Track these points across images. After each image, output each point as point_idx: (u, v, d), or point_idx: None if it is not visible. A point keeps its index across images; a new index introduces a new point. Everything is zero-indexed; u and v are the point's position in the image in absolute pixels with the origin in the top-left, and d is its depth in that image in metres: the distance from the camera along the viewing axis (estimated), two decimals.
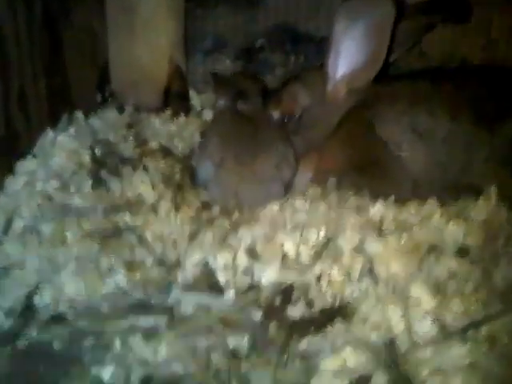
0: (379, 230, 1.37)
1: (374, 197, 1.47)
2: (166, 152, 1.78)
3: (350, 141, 1.59)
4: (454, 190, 1.48)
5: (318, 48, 2.00)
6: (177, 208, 1.50)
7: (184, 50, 2.00)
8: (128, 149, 1.75)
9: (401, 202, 1.45)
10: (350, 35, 1.55)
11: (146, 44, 1.91)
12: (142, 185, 1.55)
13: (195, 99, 2.10)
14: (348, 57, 1.59)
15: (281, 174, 1.59)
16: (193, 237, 1.42)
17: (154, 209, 1.48)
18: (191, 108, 2.04)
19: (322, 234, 1.44)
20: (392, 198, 1.46)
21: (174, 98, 1.98)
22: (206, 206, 1.56)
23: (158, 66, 1.94)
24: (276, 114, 1.70)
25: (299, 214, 1.53)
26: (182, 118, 1.97)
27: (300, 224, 1.47)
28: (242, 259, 1.34)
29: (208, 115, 1.99)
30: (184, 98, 2.02)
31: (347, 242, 1.37)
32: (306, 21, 2.03)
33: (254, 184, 1.57)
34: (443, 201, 1.43)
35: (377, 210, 1.45)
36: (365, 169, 1.54)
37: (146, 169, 1.63)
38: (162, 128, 1.91)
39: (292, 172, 1.60)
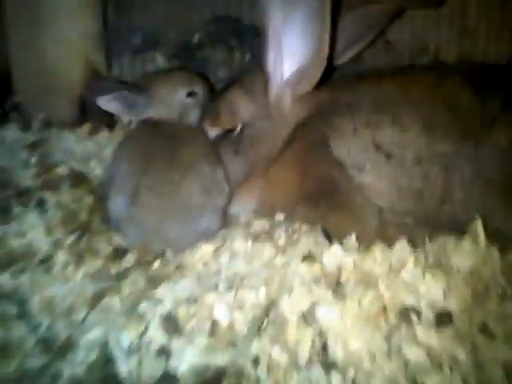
0: (335, 286, 1.12)
1: (330, 236, 1.22)
2: (76, 179, 1.51)
3: (301, 162, 1.32)
4: (430, 226, 1.21)
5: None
6: (78, 260, 1.24)
7: (103, 49, 1.78)
8: (27, 177, 1.48)
9: (363, 243, 1.19)
10: (288, 26, 1.28)
11: (55, 42, 1.68)
12: (32, 230, 1.28)
13: None
14: (291, 55, 1.33)
15: (211, 204, 1.33)
16: (95, 302, 1.14)
17: (47, 263, 1.22)
18: (116, 121, 1.77)
19: (263, 293, 1.11)
20: (352, 238, 1.21)
21: (93, 110, 1.70)
22: (119, 253, 1.29)
23: (70, 69, 1.71)
24: (212, 131, 1.49)
25: (237, 260, 1.24)
26: (103, 134, 1.71)
27: (237, 276, 1.19)
28: (156, 334, 1.06)
29: None
30: (105, 110, 1.63)
31: (294, 306, 1.04)
32: (252, 10, 1.78)
33: (178, 219, 1.30)
34: (417, 241, 1.17)
35: (333, 256, 1.18)
36: (318, 199, 1.29)
37: (41, 205, 1.36)
38: (77, 147, 1.65)
39: (225, 200, 1.36)
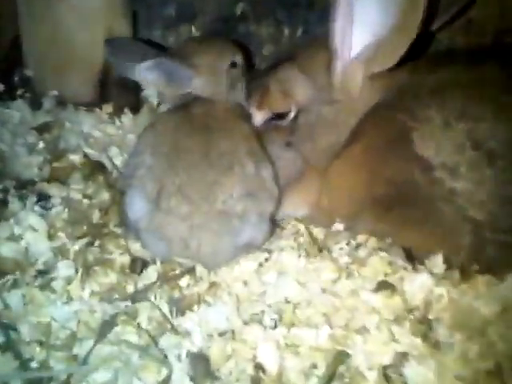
0: (426, 328, 0.87)
1: (412, 258, 1.02)
2: (91, 170, 1.34)
3: (371, 160, 1.12)
4: None
5: (322, 16, 1.55)
6: (86, 273, 1.05)
7: (130, 20, 1.56)
8: (31, 166, 1.31)
9: (455, 269, 0.99)
10: None
11: (72, 9, 1.48)
12: (29, 232, 1.09)
13: (149, 89, 1.64)
14: (365, 24, 1.12)
15: (256, 210, 1.10)
16: (104, 331, 0.95)
17: (46, 276, 1.04)
18: (142, 102, 1.61)
19: (325, 333, 0.90)
20: (438, 260, 0.99)
21: (116, 88, 1.55)
22: (137, 265, 1.10)
23: (89, 41, 1.50)
24: (259, 115, 1.24)
25: (287, 281, 1.02)
26: (126, 117, 1.55)
27: (288, 304, 0.98)
28: (182, 379, 0.87)
29: None
30: (130, 88, 1.57)
31: (371, 357, 0.84)
32: None
33: (214, 229, 1.07)
34: None
35: (419, 285, 0.94)
36: (392, 206, 1.09)
37: (44, 201, 1.18)
38: (94, 131, 1.48)
39: (273, 204, 1.14)
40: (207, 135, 1.12)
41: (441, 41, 1.53)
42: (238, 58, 1.29)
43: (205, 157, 1.09)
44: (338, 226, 1.14)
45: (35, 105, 1.52)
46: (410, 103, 1.11)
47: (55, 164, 1.31)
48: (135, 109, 1.58)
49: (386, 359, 0.82)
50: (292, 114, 1.23)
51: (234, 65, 1.27)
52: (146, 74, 1.18)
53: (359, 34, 1.14)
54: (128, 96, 1.58)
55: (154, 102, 1.64)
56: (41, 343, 0.93)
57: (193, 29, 1.73)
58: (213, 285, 1.05)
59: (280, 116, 1.24)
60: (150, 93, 1.66)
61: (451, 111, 1.07)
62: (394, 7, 1.09)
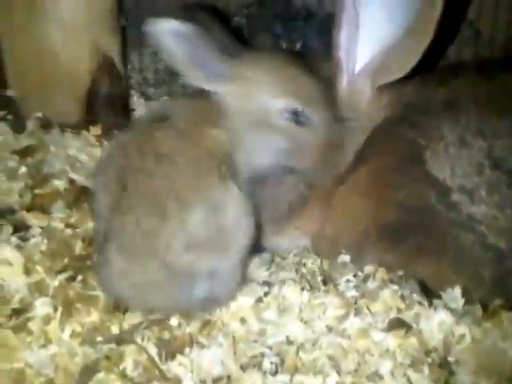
0: (447, 374, 0.77)
1: (429, 292, 0.94)
2: (76, 196, 1.24)
3: (380, 183, 1.04)
4: None
5: (323, 28, 1.52)
6: (66, 312, 0.95)
7: (118, 35, 1.51)
8: (11, 193, 1.22)
9: (476, 304, 0.91)
10: None
11: (57, 24, 1.42)
12: (4, 266, 1.01)
13: (140, 108, 1.60)
14: (373, 30, 1.05)
15: (207, 262, 0.93)
16: (84, 379, 0.85)
17: (21, 316, 0.95)
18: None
19: (334, 382, 0.79)
20: (458, 294, 0.91)
21: (104, 108, 1.49)
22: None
23: (74, 58, 1.44)
24: None
25: (289, 319, 0.94)
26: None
27: (291, 346, 0.89)
28: None
29: None
30: (119, 108, 1.52)
31: None
32: None
33: (161, 286, 0.93)
34: None
35: (437, 324, 0.84)
36: (404, 235, 1.01)
37: (22, 232, 1.09)
38: (81, 155, 1.41)
39: (239, 253, 0.96)
40: (153, 163, 0.92)
41: (448, 55, 1.48)
42: (309, 111, 0.98)
43: (145, 194, 0.91)
44: (344, 258, 1.05)
45: (18, 127, 1.44)
46: (420, 119, 1.03)
47: (37, 190, 1.22)
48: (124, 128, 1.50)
49: None
50: None
51: (293, 113, 0.97)
52: (179, 47, 0.93)
53: (366, 42, 1.06)
54: (117, 116, 1.50)
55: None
56: None
57: None
58: (207, 323, 0.94)
59: None
60: (142, 112, 1.57)
61: (466, 127, 0.99)
62: (407, 7, 1.00)
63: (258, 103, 0.96)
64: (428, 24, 0.99)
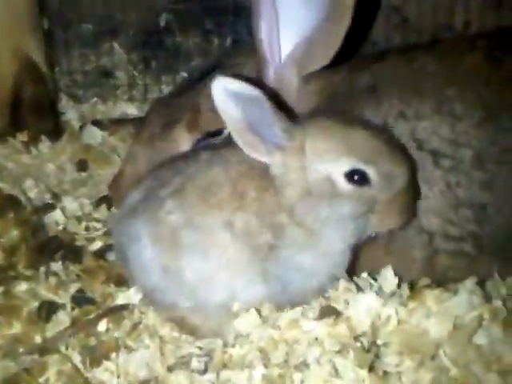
0: (372, 358, 0.76)
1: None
2: (1, 205, 1.23)
3: None
4: (500, 256, 0.93)
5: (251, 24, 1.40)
6: None
7: (40, 38, 1.47)
8: None
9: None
10: None
11: None
12: None
13: (70, 112, 1.57)
14: (292, 23, 1.02)
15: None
16: None
17: None
18: (63, 128, 1.52)
19: (260, 374, 0.76)
20: (389, 275, 0.90)
21: (30, 113, 1.46)
22: (48, 309, 0.96)
23: None
24: (188, 138, 1.10)
25: None
26: (43, 145, 1.45)
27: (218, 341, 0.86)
28: None
29: (92, 135, 1.46)
30: (47, 113, 1.49)
31: None
32: None
33: None
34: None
35: (365, 307, 0.82)
36: None
37: None
38: (8, 162, 1.40)
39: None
40: None
41: (377, 42, 1.48)
42: (371, 173, 0.84)
43: None
44: None
45: None
46: (345, 107, 1.00)
47: None
48: (55, 135, 1.47)
49: None
50: (226, 131, 1.04)
51: (357, 178, 0.84)
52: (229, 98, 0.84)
53: (287, 30, 1.03)
54: (45, 121, 1.48)
55: (77, 126, 1.52)
56: None
57: (115, 45, 1.66)
58: (135, 327, 0.90)
59: (214, 134, 1.08)
60: (72, 116, 1.55)
61: (388, 110, 0.97)
62: (319, 7, 0.98)
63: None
64: (344, 9, 0.97)
